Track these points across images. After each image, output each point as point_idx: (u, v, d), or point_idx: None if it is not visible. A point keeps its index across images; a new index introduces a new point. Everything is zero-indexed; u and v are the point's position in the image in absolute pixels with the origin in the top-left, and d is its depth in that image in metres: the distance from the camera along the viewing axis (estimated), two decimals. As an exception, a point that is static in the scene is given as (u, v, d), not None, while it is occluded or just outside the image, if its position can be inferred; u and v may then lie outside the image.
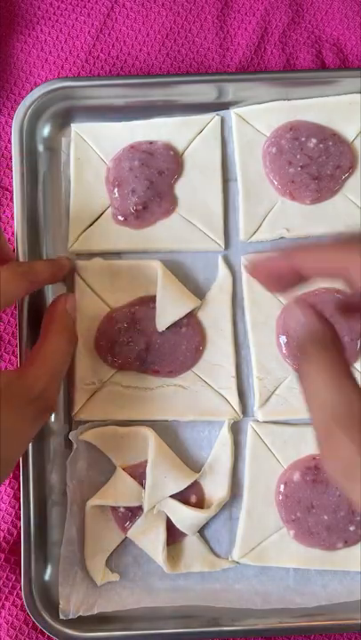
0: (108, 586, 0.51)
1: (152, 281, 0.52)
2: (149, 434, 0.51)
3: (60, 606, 0.50)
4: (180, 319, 0.52)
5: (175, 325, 0.52)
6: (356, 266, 0.34)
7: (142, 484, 0.51)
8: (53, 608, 0.50)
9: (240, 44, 0.57)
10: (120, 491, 0.51)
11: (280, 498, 0.51)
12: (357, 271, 0.34)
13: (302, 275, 0.37)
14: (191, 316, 0.52)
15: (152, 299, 0.52)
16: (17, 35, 0.57)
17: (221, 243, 0.53)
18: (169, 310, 0.51)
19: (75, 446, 0.51)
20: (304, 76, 0.54)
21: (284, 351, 0.52)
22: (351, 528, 0.50)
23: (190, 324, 0.52)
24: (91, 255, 0.53)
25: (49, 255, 0.54)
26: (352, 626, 0.50)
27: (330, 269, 0.36)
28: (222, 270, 0.53)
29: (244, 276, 0.53)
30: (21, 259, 0.52)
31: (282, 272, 0.37)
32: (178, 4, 0.57)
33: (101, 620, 0.50)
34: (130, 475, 0.51)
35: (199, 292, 0.53)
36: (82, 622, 0.50)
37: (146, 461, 0.51)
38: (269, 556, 0.51)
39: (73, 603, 0.50)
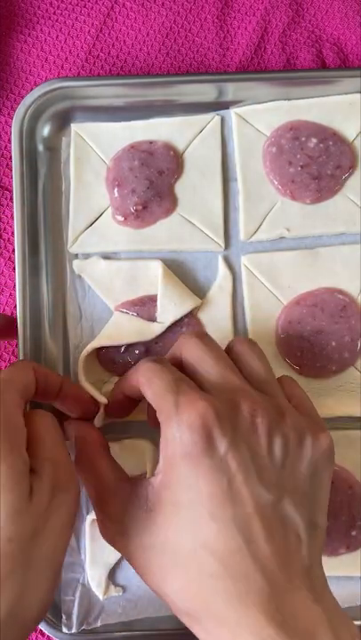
0: (111, 599, 0.51)
1: (152, 281, 0.52)
2: (147, 447, 0.51)
3: (63, 620, 0.50)
4: (181, 319, 0.51)
5: (175, 325, 0.51)
6: (140, 381, 0.40)
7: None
8: (53, 608, 0.50)
9: (240, 43, 0.57)
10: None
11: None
12: (142, 382, 0.40)
13: (131, 397, 0.44)
14: (191, 317, 0.52)
15: (152, 298, 0.52)
16: (17, 35, 0.57)
17: (221, 242, 0.53)
18: (170, 309, 0.51)
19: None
20: (304, 75, 0.54)
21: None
22: (353, 533, 0.50)
23: (191, 324, 0.52)
24: (90, 255, 0.53)
25: (48, 255, 0.53)
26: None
27: (129, 388, 0.43)
28: (222, 270, 0.53)
29: (245, 276, 0.53)
30: (20, 259, 0.51)
31: (118, 399, 0.45)
32: (178, 4, 0.57)
33: (101, 621, 0.50)
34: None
35: (199, 291, 0.53)
36: (81, 622, 0.50)
37: (145, 473, 0.50)
38: (272, 562, 0.51)
39: (76, 617, 0.50)
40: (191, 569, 0.35)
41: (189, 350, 0.41)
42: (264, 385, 0.41)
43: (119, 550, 0.39)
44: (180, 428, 0.36)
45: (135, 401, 0.45)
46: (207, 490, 0.35)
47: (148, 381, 0.39)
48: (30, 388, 0.42)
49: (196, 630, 0.36)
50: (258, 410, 0.37)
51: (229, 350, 0.43)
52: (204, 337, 0.42)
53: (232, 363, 0.41)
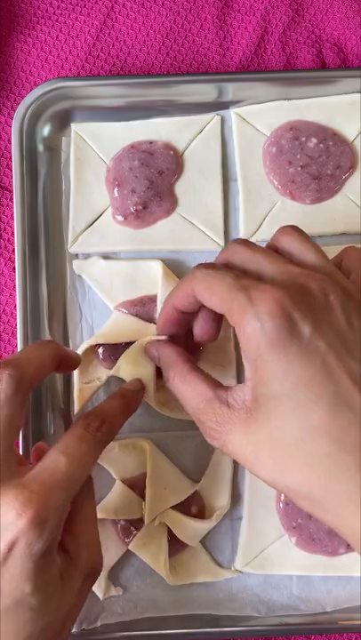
0: (111, 599, 0.50)
1: (152, 281, 0.52)
2: (147, 446, 0.50)
3: (63, 620, 0.49)
4: (180, 319, 0.51)
5: (175, 325, 0.51)
6: (198, 289, 0.39)
7: (142, 496, 0.50)
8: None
9: (240, 43, 0.57)
10: (120, 504, 0.50)
11: (280, 505, 0.51)
12: (201, 289, 0.39)
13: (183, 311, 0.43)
14: (191, 316, 0.52)
15: (152, 299, 0.52)
16: (17, 35, 0.57)
17: (221, 242, 0.53)
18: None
19: None
20: (304, 75, 0.54)
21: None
22: (354, 533, 0.50)
23: (190, 325, 0.52)
24: (90, 255, 0.53)
25: (48, 255, 0.53)
26: (352, 626, 0.50)
27: (184, 299, 0.41)
28: (222, 270, 0.53)
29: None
30: (20, 259, 0.51)
31: (169, 316, 0.44)
32: (178, 4, 0.57)
33: (101, 620, 0.50)
34: (130, 487, 0.50)
35: (199, 291, 0.53)
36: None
37: (145, 473, 0.50)
38: (272, 563, 0.51)
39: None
40: (306, 454, 0.35)
41: (237, 254, 0.40)
42: (321, 271, 0.39)
43: (227, 451, 0.38)
44: (259, 318, 0.35)
45: (187, 316, 0.44)
46: (302, 373, 0.35)
47: (209, 287, 0.38)
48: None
49: (319, 515, 0.35)
50: (328, 287, 0.37)
51: (275, 247, 0.41)
52: (247, 241, 0.41)
53: (282, 257, 0.40)
